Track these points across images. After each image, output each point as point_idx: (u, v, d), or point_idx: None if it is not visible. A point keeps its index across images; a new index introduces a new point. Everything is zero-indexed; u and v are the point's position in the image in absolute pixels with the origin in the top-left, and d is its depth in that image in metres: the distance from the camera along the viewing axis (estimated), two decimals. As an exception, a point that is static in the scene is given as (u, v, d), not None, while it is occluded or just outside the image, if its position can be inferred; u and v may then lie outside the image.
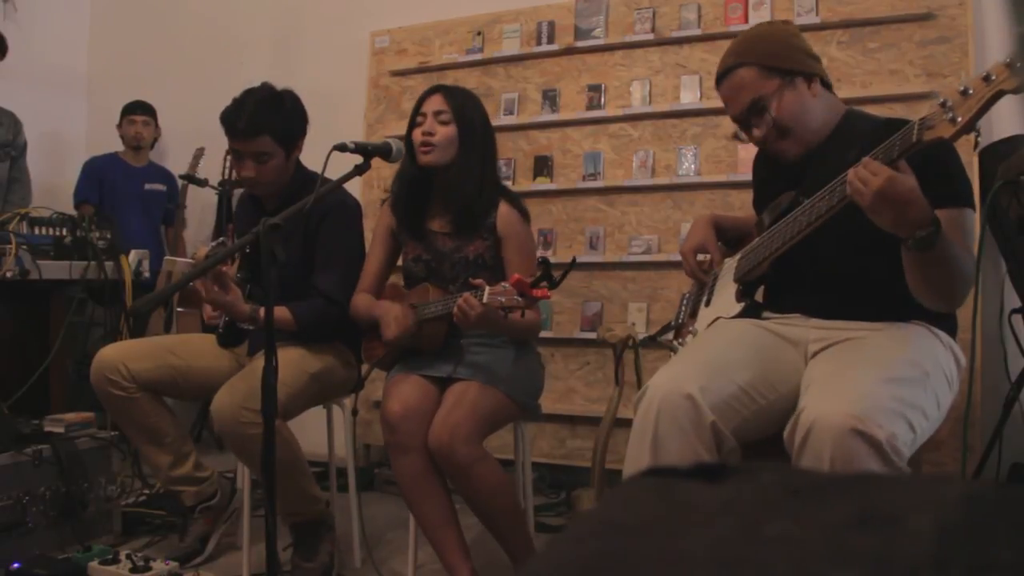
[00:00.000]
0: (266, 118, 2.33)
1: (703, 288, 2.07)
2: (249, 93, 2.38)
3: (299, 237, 2.36)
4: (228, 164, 3.87)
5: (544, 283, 1.87)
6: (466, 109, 2.24)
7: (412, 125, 2.24)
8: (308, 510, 2.34)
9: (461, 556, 2.09)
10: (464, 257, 2.25)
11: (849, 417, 1.36)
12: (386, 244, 2.38)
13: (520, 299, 1.87)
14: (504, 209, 2.25)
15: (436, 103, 2.22)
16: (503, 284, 1.91)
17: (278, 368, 1.68)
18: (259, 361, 1.74)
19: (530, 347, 2.32)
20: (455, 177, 2.21)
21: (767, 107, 1.73)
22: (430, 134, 2.19)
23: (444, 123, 2.21)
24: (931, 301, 1.62)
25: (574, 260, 2.06)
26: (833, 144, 1.76)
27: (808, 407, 1.44)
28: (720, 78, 1.81)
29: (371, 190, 3.80)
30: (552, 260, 3.16)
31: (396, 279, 2.45)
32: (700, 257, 2.02)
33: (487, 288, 1.93)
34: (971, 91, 1.32)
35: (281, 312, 2.31)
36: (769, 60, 1.74)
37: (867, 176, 1.42)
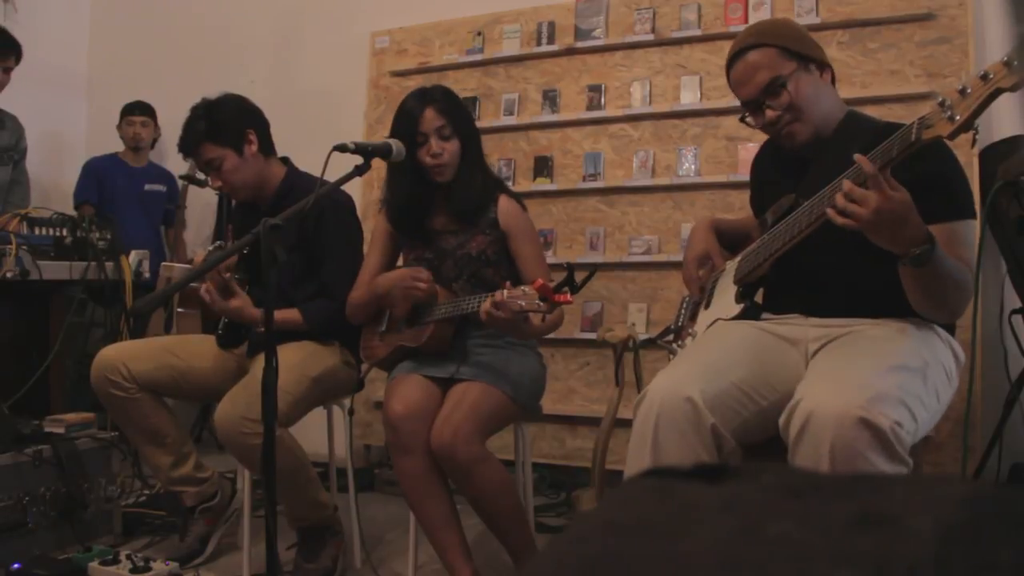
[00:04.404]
0: (197, 129, 2.40)
1: (703, 292, 2.07)
2: (190, 112, 2.45)
3: (295, 239, 2.36)
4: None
5: (566, 288, 1.85)
6: (460, 116, 2.24)
7: (413, 145, 2.16)
8: (314, 516, 2.34)
9: (462, 557, 2.09)
10: (467, 253, 2.24)
11: (854, 406, 1.36)
12: (385, 246, 2.37)
13: (542, 303, 1.85)
14: (504, 203, 2.25)
15: (434, 119, 2.18)
16: (523, 288, 1.89)
17: (278, 371, 1.68)
18: (259, 368, 1.73)
19: (532, 348, 2.32)
20: (462, 187, 2.21)
21: (785, 87, 1.73)
22: (439, 154, 2.17)
23: (446, 138, 2.19)
24: (931, 313, 1.63)
25: (595, 268, 2.05)
26: (834, 145, 1.77)
27: (806, 396, 1.44)
28: (734, 58, 1.80)
29: (371, 190, 3.80)
30: (552, 261, 3.17)
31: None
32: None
33: (507, 291, 1.91)
34: (969, 90, 1.33)
35: (291, 314, 2.35)
36: (787, 43, 1.76)
37: (863, 195, 1.42)
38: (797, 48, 1.76)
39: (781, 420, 1.48)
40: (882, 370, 1.47)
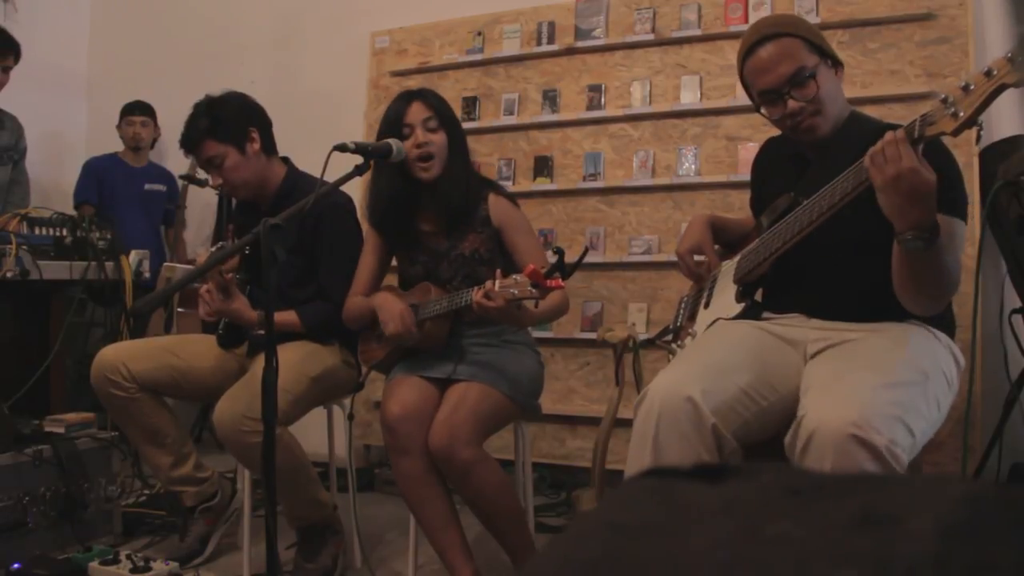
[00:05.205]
0: (200, 126, 2.38)
1: (701, 290, 2.07)
2: (193, 108, 2.44)
3: (295, 240, 2.36)
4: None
5: (557, 273, 1.85)
6: (447, 111, 2.23)
7: (397, 138, 2.14)
8: (314, 515, 2.34)
9: (463, 557, 2.09)
10: (460, 254, 2.24)
11: (849, 424, 1.36)
12: (377, 249, 2.36)
13: (533, 290, 1.85)
14: (494, 200, 2.25)
15: (420, 112, 2.18)
16: (515, 276, 1.88)
17: (278, 370, 1.68)
18: (259, 367, 1.73)
19: (531, 346, 2.32)
20: (449, 184, 2.19)
21: (814, 77, 1.71)
22: (426, 144, 2.17)
23: (433, 130, 2.18)
24: (908, 299, 1.60)
25: (586, 250, 2.04)
26: (835, 144, 1.76)
27: (808, 414, 1.44)
28: (757, 44, 1.75)
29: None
30: (554, 259, 3.16)
31: (391, 279, 2.44)
32: (697, 258, 2.02)
33: (499, 280, 1.90)
34: (972, 86, 1.32)
35: (289, 316, 2.35)
36: (812, 37, 1.75)
37: (894, 155, 1.40)
38: (820, 43, 1.76)
39: (787, 438, 1.48)
40: (880, 386, 1.47)
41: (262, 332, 2.29)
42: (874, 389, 1.46)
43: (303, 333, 2.37)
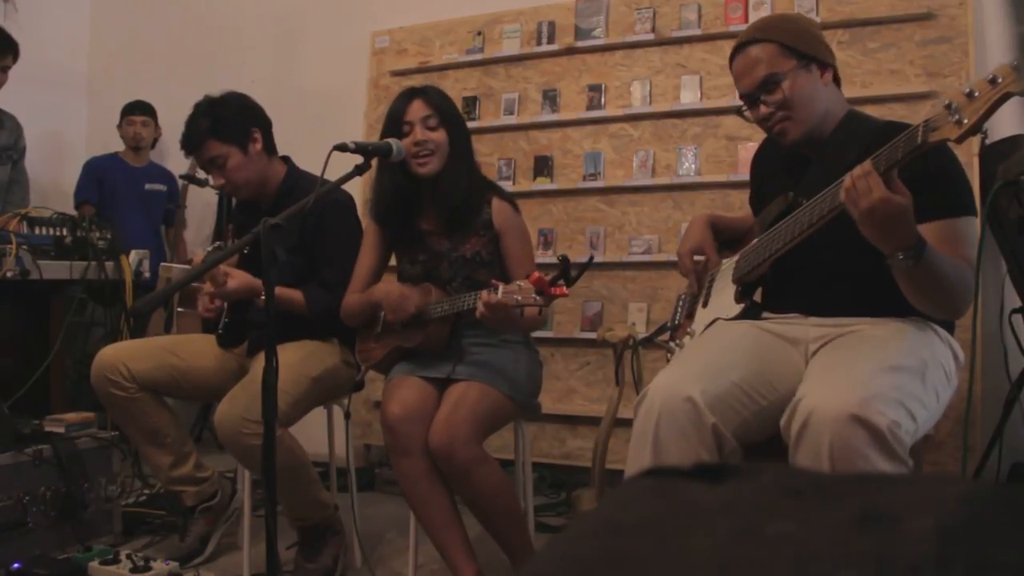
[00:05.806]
0: (202, 126, 2.37)
1: (700, 288, 2.07)
2: (193, 109, 2.43)
3: (295, 239, 2.36)
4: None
5: (561, 281, 1.85)
6: (449, 110, 2.23)
7: (397, 136, 2.16)
8: (315, 515, 2.34)
9: (465, 556, 2.09)
10: (461, 256, 2.24)
11: (849, 404, 1.36)
12: (377, 247, 2.36)
13: (537, 297, 1.86)
14: (498, 204, 2.25)
15: (420, 109, 2.18)
16: (518, 283, 1.89)
17: (278, 370, 1.68)
18: (259, 368, 1.73)
19: (529, 345, 2.32)
20: (448, 182, 2.19)
21: (780, 84, 1.73)
22: (424, 142, 2.17)
23: (433, 128, 2.18)
24: (927, 310, 1.62)
25: (591, 259, 2.04)
26: (833, 144, 1.77)
27: (807, 395, 1.44)
28: (737, 51, 1.81)
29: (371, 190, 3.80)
30: (550, 260, 3.17)
31: (390, 279, 2.44)
32: (697, 258, 2.02)
33: (502, 286, 1.91)
34: (977, 93, 1.31)
35: (295, 294, 2.33)
36: (789, 40, 1.76)
37: (865, 188, 1.42)
38: (798, 46, 1.76)
39: (783, 420, 1.48)
40: (880, 370, 1.47)
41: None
42: (874, 372, 1.46)
43: (305, 316, 2.35)
